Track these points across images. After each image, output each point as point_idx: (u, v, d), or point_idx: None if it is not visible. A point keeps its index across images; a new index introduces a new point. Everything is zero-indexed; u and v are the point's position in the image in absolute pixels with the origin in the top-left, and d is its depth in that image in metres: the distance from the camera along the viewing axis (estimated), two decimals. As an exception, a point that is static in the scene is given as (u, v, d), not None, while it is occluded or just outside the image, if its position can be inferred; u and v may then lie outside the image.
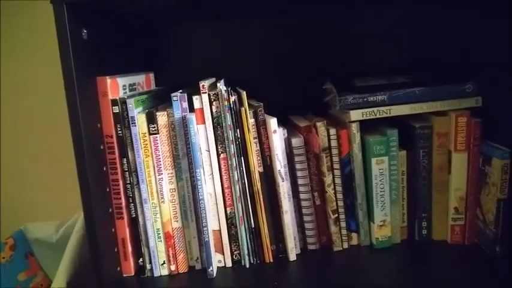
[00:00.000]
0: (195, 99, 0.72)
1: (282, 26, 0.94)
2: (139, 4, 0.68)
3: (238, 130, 0.73)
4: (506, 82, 0.73)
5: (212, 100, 0.72)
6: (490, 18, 0.77)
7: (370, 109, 0.77)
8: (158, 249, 0.75)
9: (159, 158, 0.72)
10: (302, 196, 0.78)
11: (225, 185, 0.74)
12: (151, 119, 0.71)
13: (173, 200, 0.74)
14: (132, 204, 0.73)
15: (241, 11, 0.86)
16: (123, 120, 0.71)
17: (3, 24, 1.02)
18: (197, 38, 0.95)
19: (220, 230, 0.75)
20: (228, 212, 0.75)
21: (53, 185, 1.09)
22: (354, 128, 0.76)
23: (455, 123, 0.75)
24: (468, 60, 0.84)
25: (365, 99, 0.77)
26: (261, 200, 0.75)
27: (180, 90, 0.75)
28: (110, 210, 0.72)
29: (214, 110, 0.72)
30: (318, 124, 0.76)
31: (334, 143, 0.77)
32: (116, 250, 0.73)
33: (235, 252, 0.76)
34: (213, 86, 0.76)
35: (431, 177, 0.78)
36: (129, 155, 0.72)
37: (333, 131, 0.76)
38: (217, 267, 0.76)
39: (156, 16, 0.87)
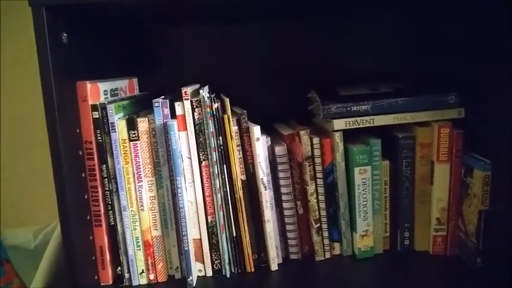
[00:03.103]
0: (177, 106, 0.71)
1: (268, 33, 0.94)
2: (123, 7, 0.67)
3: (220, 137, 0.73)
4: (488, 94, 0.74)
5: (194, 107, 0.71)
6: (473, 31, 0.78)
7: (354, 118, 0.76)
8: (137, 258, 0.73)
9: (139, 165, 0.71)
10: (285, 205, 0.77)
11: (207, 193, 0.73)
12: (131, 125, 0.70)
13: (153, 208, 0.73)
14: (111, 211, 0.72)
15: (228, 18, 0.86)
16: (103, 126, 0.70)
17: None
18: (183, 44, 0.94)
19: (200, 239, 0.74)
20: (209, 220, 0.74)
21: (33, 189, 1.06)
22: (337, 137, 0.75)
23: (437, 134, 0.75)
24: (451, 72, 0.85)
25: (348, 109, 0.76)
26: (243, 208, 0.74)
27: (163, 96, 0.74)
28: (88, 217, 0.70)
29: (196, 117, 0.71)
30: (302, 133, 0.76)
31: (317, 152, 0.76)
32: (93, 258, 0.71)
33: (215, 262, 0.75)
34: (196, 93, 0.76)
35: (413, 187, 0.78)
36: (109, 162, 0.71)
37: (316, 140, 0.76)
38: (198, 276, 0.75)
39: (141, 20, 0.86)
